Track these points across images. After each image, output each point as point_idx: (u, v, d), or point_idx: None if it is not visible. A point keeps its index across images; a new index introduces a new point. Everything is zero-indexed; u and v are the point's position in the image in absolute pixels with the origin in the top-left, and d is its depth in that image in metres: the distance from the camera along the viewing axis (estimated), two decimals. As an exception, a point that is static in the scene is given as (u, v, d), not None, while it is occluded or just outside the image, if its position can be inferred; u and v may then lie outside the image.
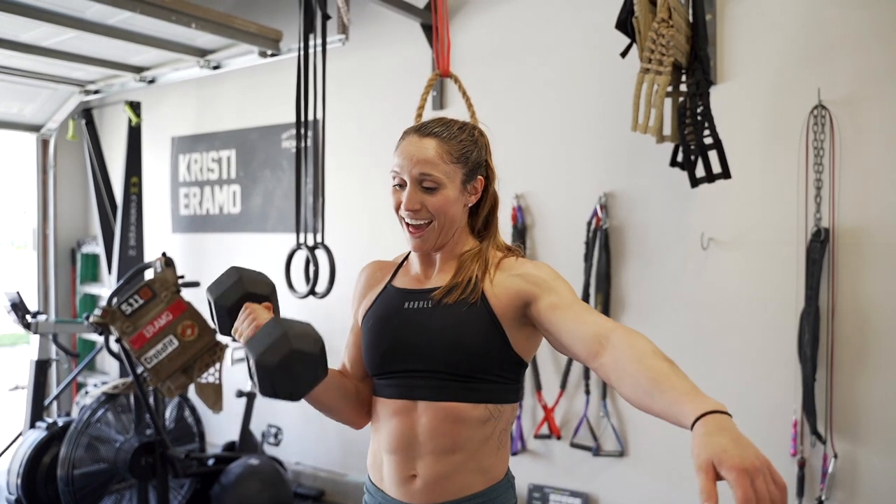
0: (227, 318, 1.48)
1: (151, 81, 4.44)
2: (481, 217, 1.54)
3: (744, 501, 0.90)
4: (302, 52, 3.08)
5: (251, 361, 1.29)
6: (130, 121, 4.65)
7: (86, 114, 4.86)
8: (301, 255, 3.26)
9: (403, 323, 1.47)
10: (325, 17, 3.01)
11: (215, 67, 4.12)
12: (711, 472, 0.94)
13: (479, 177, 1.50)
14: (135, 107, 4.65)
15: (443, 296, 1.44)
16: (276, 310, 1.51)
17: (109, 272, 4.72)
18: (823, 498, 2.91)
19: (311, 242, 3.15)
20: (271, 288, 1.53)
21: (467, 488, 1.42)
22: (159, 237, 5.11)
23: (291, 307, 4.28)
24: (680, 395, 1.09)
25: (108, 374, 5.20)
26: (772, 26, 3.05)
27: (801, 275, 2.96)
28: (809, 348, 2.91)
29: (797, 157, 2.98)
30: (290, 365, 1.28)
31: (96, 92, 4.71)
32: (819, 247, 2.91)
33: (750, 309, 3.12)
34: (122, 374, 4.31)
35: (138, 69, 4.40)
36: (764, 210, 3.07)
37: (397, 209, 1.46)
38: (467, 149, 1.46)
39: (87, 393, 4.28)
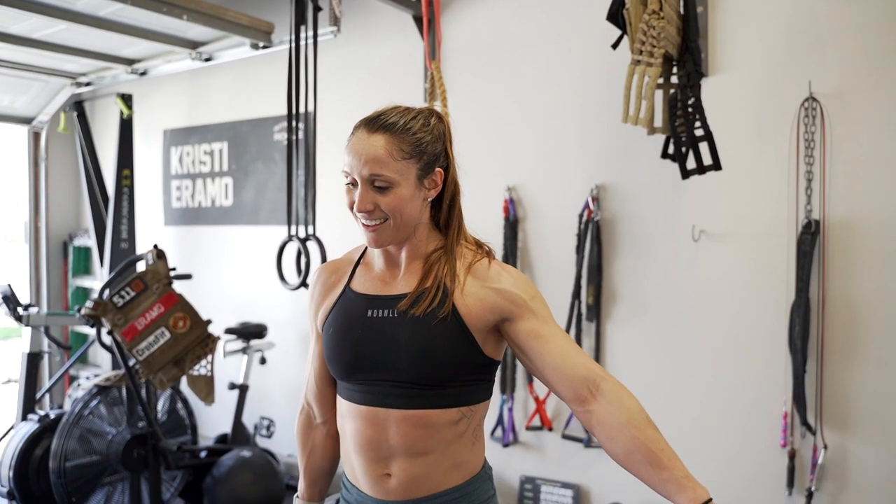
0: None
1: (143, 74, 4.42)
2: (444, 209, 1.46)
3: None
4: (293, 44, 3.07)
5: None
6: (122, 113, 4.63)
7: (77, 106, 4.85)
8: (292, 247, 3.26)
9: (368, 333, 1.40)
10: (317, 9, 3.00)
11: (207, 60, 4.10)
12: None
13: (438, 168, 1.41)
14: (126, 99, 4.64)
15: (409, 305, 1.37)
16: None
17: (101, 265, 4.72)
18: (813, 489, 2.92)
19: (302, 234, 3.15)
20: None
21: (444, 484, 1.41)
22: (151, 230, 5.10)
23: (282, 299, 4.29)
24: (679, 478, 1.22)
25: (100, 367, 5.19)
26: (763, 18, 3.05)
27: (791, 267, 2.97)
28: (800, 340, 2.92)
29: (788, 149, 2.99)
30: None
31: (88, 84, 4.68)
32: (810, 239, 2.91)
33: (741, 301, 3.13)
34: (115, 366, 4.30)
35: (130, 61, 4.38)
36: (755, 202, 3.08)
37: (351, 208, 1.38)
38: (422, 141, 1.37)
39: (79, 386, 4.29)
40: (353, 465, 1.47)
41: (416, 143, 1.36)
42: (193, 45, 4.07)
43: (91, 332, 4.90)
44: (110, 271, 4.57)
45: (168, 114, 5.09)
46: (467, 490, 1.43)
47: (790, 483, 2.98)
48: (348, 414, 1.44)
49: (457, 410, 1.38)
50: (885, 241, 2.83)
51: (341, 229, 4.00)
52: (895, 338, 2.82)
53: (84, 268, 5.51)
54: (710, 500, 1.18)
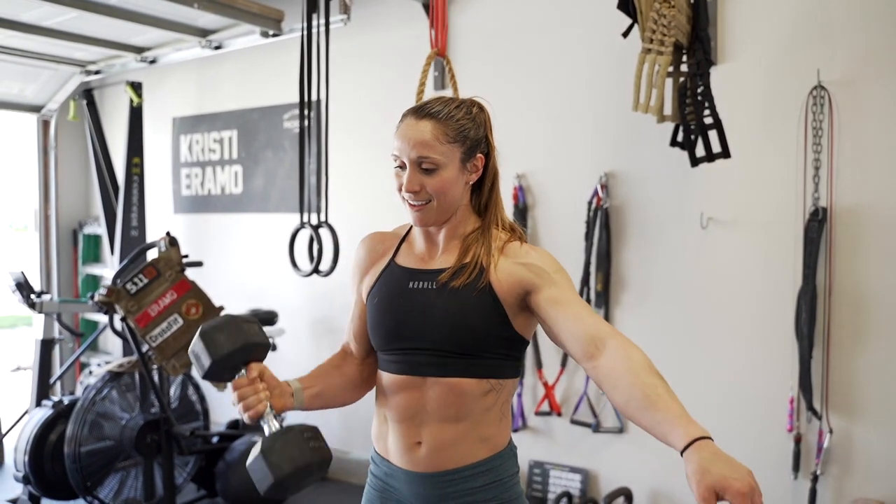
0: (222, 372, 1.41)
1: (153, 62, 4.45)
2: (484, 193, 1.55)
3: None
4: (305, 32, 3.09)
5: (260, 452, 1.31)
6: (132, 101, 4.65)
7: (87, 94, 4.88)
8: (304, 234, 3.29)
9: (409, 303, 1.50)
10: (329, -2, 3.02)
11: (217, 48, 4.14)
12: (713, 499, 1.06)
13: (479, 154, 1.51)
14: (136, 87, 4.66)
15: (448, 279, 1.47)
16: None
17: (112, 253, 4.75)
18: (818, 472, 2.97)
19: (314, 221, 3.18)
20: (266, 345, 1.46)
21: (470, 456, 1.47)
22: (161, 218, 5.13)
23: (292, 286, 4.33)
24: (672, 418, 1.18)
25: (110, 354, 5.24)
26: (772, 7, 3.06)
27: (798, 254, 3.00)
28: (806, 326, 2.96)
29: (796, 137, 3.01)
30: (300, 476, 1.32)
31: (97, 72, 4.72)
32: (817, 226, 2.94)
33: (748, 287, 3.16)
34: (126, 353, 4.35)
35: (139, 49, 4.42)
36: (763, 189, 3.11)
37: (399, 190, 1.48)
38: (465, 127, 1.47)
39: (90, 373, 4.34)
40: (386, 439, 1.54)
41: (460, 129, 1.46)
42: (203, 32, 4.10)
43: (102, 319, 4.96)
44: (121, 259, 4.61)
45: (177, 102, 5.11)
46: (493, 465, 1.49)
47: (796, 467, 3.03)
48: (389, 387, 1.52)
49: (487, 382, 1.46)
50: (891, 229, 2.86)
51: (352, 216, 4.05)
52: (901, 324, 2.86)
53: (94, 255, 5.55)
54: (706, 437, 1.13)
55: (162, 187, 5.21)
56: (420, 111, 1.47)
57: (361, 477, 1.75)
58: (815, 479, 2.96)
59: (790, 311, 3.03)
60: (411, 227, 1.60)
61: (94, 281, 5.54)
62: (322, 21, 3.16)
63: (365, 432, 3.30)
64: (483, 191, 1.55)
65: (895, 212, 2.85)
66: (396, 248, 1.59)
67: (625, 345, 1.32)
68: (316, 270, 3.12)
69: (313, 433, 1.37)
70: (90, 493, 3.46)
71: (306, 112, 3.19)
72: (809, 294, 2.96)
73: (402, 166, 1.47)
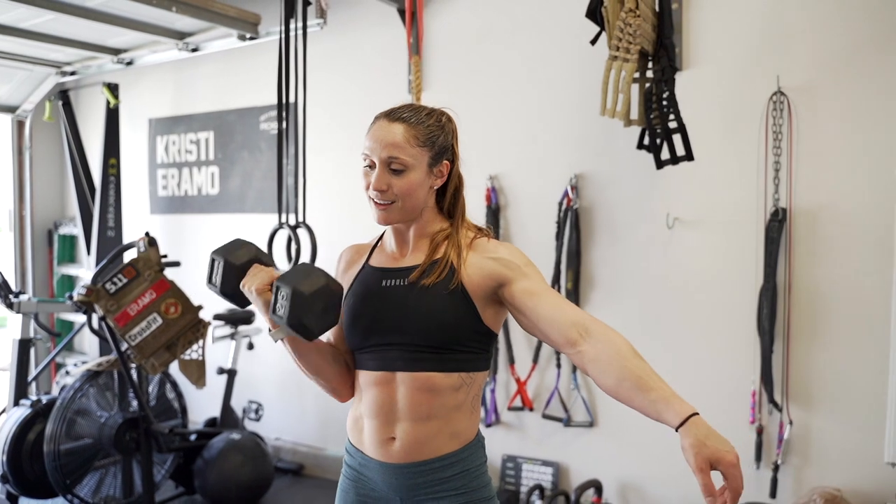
0: (235, 276, 1.57)
1: (129, 63, 4.46)
2: (448, 198, 1.63)
3: (739, 488, 1.22)
4: (283, 37, 3.16)
5: (283, 292, 1.44)
6: (109, 102, 4.66)
7: (63, 95, 4.87)
8: (282, 234, 3.35)
9: (382, 300, 1.57)
10: (306, 3, 3.09)
11: (193, 50, 4.16)
12: (709, 469, 1.23)
13: (445, 161, 1.59)
14: (113, 88, 4.67)
15: (420, 276, 1.54)
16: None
17: (88, 253, 4.76)
18: (779, 462, 3.09)
19: (292, 222, 3.24)
20: (271, 259, 1.65)
21: (442, 450, 1.55)
22: (137, 218, 5.15)
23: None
24: (665, 397, 1.33)
25: (86, 355, 5.25)
26: (734, 15, 3.18)
27: (759, 252, 3.12)
28: (767, 322, 3.08)
29: (757, 140, 3.13)
30: (321, 298, 1.44)
31: (73, 73, 4.72)
32: (777, 226, 3.07)
33: (712, 285, 3.28)
34: (103, 353, 4.37)
35: (116, 51, 4.42)
36: (725, 191, 3.23)
37: (367, 189, 1.56)
38: (434, 134, 1.55)
39: (67, 373, 4.34)
40: (361, 432, 1.61)
41: (430, 134, 1.54)
42: (181, 35, 4.12)
43: (78, 319, 4.97)
44: (97, 259, 4.63)
45: (153, 103, 5.13)
46: (463, 456, 1.58)
47: (758, 457, 3.16)
48: (364, 384, 1.60)
49: (458, 376, 1.53)
50: (848, 229, 2.99)
51: (328, 216, 4.12)
52: (857, 320, 2.99)
53: (69, 256, 5.55)
54: (696, 413, 1.29)
55: (138, 188, 5.22)
56: (392, 114, 1.55)
57: (336, 473, 1.82)
58: (776, 468, 3.09)
59: (752, 307, 3.16)
60: (384, 234, 1.68)
61: (69, 281, 5.54)
62: (300, 24, 3.21)
63: (340, 430, 3.38)
64: (447, 195, 1.62)
65: (851, 212, 2.99)
66: (370, 253, 1.67)
67: (606, 330, 1.43)
68: (294, 270, 3.17)
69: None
70: (69, 491, 3.49)
71: (285, 114, 3.24)
72: (770, 291, 3.08)
73: (372, 165, 1.54)
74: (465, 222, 1.63)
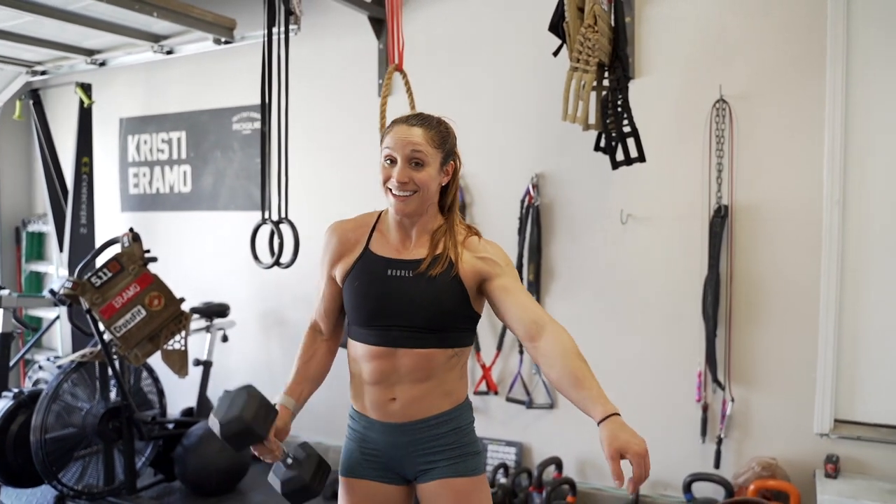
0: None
1: (102, 64, 4.54)
2: (449, 196, 1.86)
3: (642, 475, 1.46)
4: (266, 45, 3.31)
5: (291, 468, 1.87)
6: (82, 102, 4.69)
7: (33, 94, 4.90)
8: (263, 230, 3.50)
9: (388, 287, 1.78)
10: (289, 13, 3.26)
11: (168, 52, 4.27)
12: (619, 458, 1.46)
13: (452, 162, 1.84)
14: (86, 88, 4.70)
15: (426, 268, 1.77)
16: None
17: (61, 250, 4.80)
18: (722, 436, 3.40)
19: (275, 217, 3.40)
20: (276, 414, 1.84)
21: (436, 408, 1.81)
22: (108, 216, 5.19)
23: (241, 280, 4.54)
24: (594, 396, 1.58)
25: (55, 350, 5.29)
26: (681, 29, 3.47)
27: (704, 246, 3.42)
28: (711, 309, 3.38)
29: (702, 143, 3.43)
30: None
31: (43, 73, 4.76)
32: (720, 221, 3.37)
33: (662, 276, 3.57)
34: (76, 348, 4.44)
35: (90, 52, 4.49)
36: (674, 189, 3.52)
37: (386, 181, 1.76)
38: (444, 138, 1.79)
39: (40, 367, 4.42)
40: (363, 398, 1.85)
41: (441, 137, 1.79)
42: (156, 38, 4.22)
43: (48, 315, 5.03)
44: (70, 255, 4.68)
45: (125, 103, 5.20)
46: (454, 415, 1.84)
47: (703, 432, 3.46)
48: (364, 355, 1.81)
49: (452, 350, 1.80)
50: (782, 224, 3.31)
51: (305, 213, 4.27)
52: (789, 306, 3.31)
53: (37, 253, 5.59)
54: (617, 413, 1.53)
55: (108, 186, 5.28)
56: (410, 120, 1.78)
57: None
58: (719, 441, 3.40)
59: (697, 295, 3.45)
60: (378, 217, 1.88)
61: (37, 278, 5.58)
62: (282, 30, 3.37)
63: (314, 417, 3.58)
64: (449, 193, 1.86)
65: (785, 208, 3.30)
66: (368, 238, 1.86)
67: (559, 331, 1.71)
68: (277, 263, 3.33)
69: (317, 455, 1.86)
70: (55, 478, 3.60)
71: (268, 116, 3.39)
72: (714, 281, 3.38)
73: (393, 162, 1.75)
74: (458, 219, 1.87)
